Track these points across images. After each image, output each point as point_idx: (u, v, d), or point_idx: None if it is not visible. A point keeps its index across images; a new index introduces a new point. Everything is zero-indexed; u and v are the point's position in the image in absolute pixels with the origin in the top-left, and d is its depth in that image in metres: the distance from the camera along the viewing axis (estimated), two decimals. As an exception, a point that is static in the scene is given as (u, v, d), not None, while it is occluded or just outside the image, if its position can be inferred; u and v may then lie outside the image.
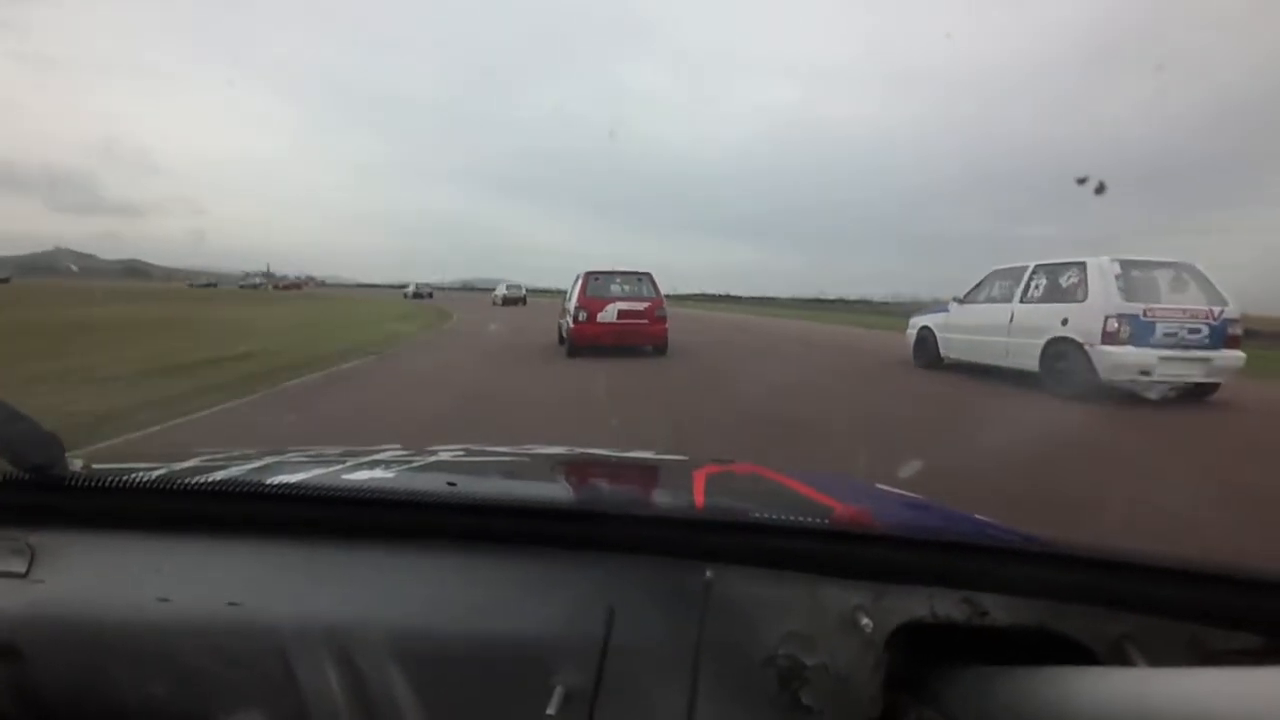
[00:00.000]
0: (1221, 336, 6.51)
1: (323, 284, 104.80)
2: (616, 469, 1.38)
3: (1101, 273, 6.75)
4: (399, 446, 1.27)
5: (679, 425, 5.35)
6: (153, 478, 0.78)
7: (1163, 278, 6.84)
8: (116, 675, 0.67)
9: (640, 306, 10.18)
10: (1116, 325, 6.48)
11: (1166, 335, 6.44)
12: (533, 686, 0.62)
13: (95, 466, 0.79)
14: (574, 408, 6.10)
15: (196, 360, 8.70)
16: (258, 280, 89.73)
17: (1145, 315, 6.44)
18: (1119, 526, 3.01)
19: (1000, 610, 0.64)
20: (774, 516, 0.71)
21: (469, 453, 1.26)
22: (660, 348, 10.29)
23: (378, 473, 0.96)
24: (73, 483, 0.74)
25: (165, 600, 0.69)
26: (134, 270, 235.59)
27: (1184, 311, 6.50)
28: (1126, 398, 6.66)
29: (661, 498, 1.11)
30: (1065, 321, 6.94)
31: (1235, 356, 6.55)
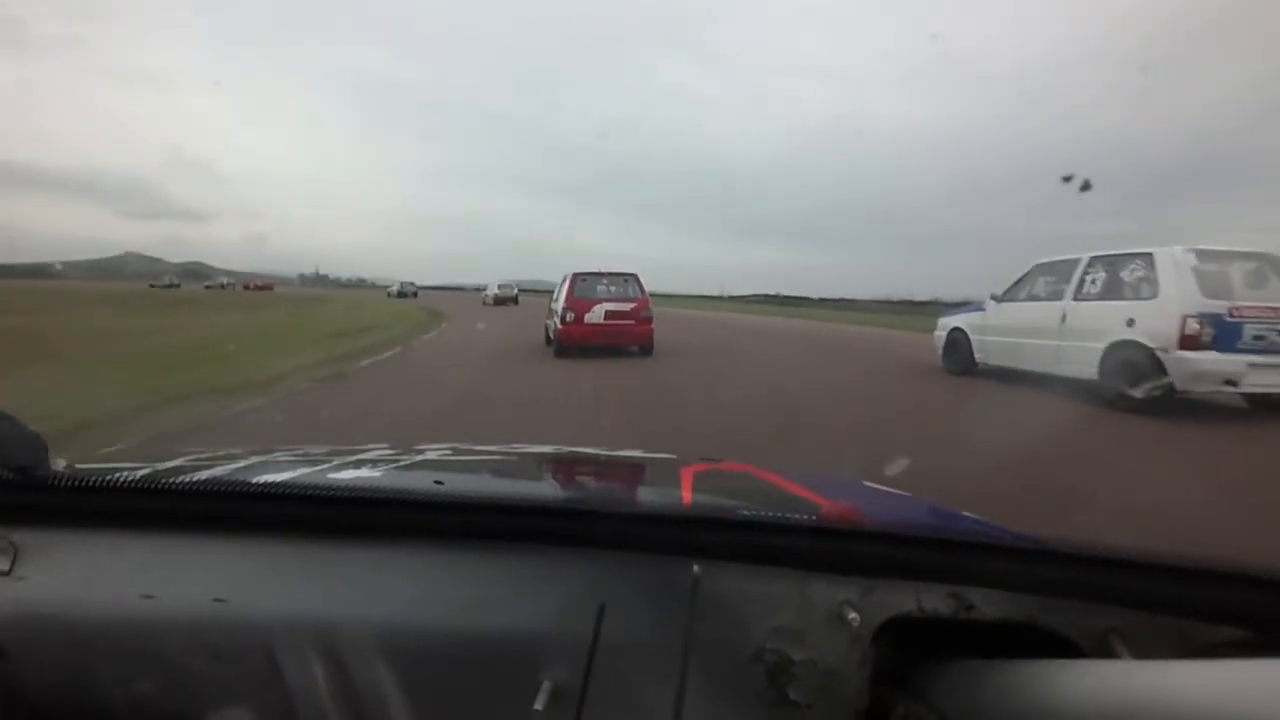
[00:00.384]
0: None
1: (372, 285, 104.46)
2: (604, 467, 1.38)
3: (1175, 265, 5.85)
4: (386, 446, 1.26)
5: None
6: (137, 477, 0.77)
7: (1242, 271, 5.96)
8: (102, 673, 0.66)
9: (626, 307, 10.18)
10: (1198, 327, 5.57)
11: (1256, 339, 5.55)
12: (520, 683, 0.62)
13: (79, 466, 0.78)
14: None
15: None
16: (224, 281, 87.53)
17: (1231, 315, 5.55)
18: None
19: (987, 605, 0.64)
20: (762, 513, 0.74)
21: (456, 451, 1.27)
22: (646, 348, 10.26)
23: (364, 471, 0.98)
24: (56, 482, 0.73)
25: (150, 597, 0.69)
26: (195, 272, 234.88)
27: (1274, 310, 5.63)
28: (1204, 409, 5.81)
29: (650, 495, 1.12)
30: (1131, 322, 6.04)
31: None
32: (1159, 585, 0.62)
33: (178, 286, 68.39)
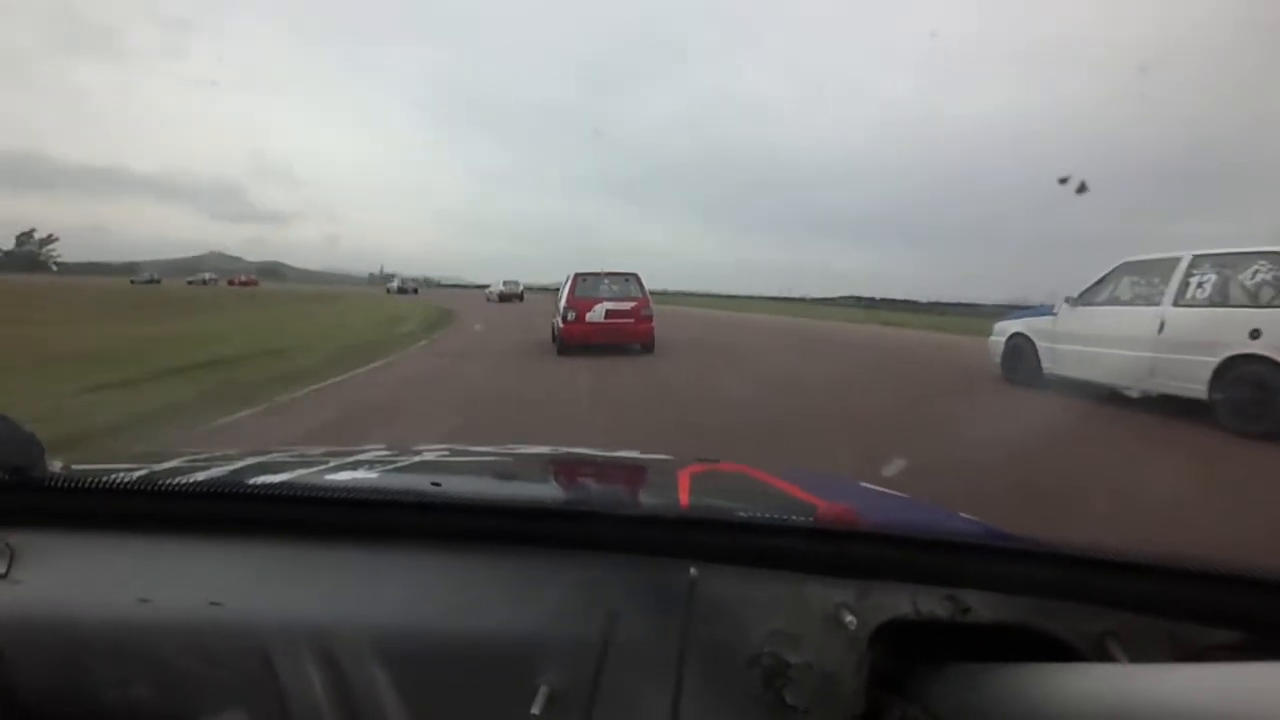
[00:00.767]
0: None
1: (439, 284, 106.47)
2: (601, 468, 1.37)
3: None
4: (383, 447, 1.25)
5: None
6: (133, 478, 0.77)
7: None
8: (97, 676, 0.66)
9: (627, 306, 10.27)
10: (1349, 341, 4.66)
11: None
12: (517, 686, 0.61)
13: (75, 467, 0.78)
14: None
15: None
16: (207, 276, 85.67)
17: (1390, 327, 4.64)
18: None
19: (984, 607, 0.64)
20: (759, 515, 0.72)
21: (453, 452, 1.27)
22: (647, 346, 10.32)
23: (361, 473, 0.97)
24: (52, 483, 0.73)
25: (146, 600, 0.68)
26: (272, 271, 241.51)
27: None
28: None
29: (646, 496, 1.12)
30: (1256, 334, 5.10)
31: None
32: (1156, 588, 0.62)
33: (158, 282, 66.13)
